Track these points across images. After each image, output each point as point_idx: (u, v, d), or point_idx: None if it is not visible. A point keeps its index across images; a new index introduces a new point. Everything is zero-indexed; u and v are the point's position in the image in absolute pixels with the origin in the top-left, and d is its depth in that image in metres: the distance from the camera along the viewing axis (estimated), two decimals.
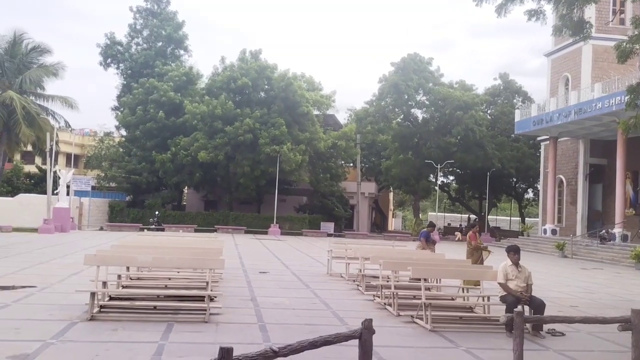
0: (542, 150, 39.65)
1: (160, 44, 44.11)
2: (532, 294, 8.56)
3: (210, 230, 35.76)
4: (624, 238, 27.49)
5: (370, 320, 4.20)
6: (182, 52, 45.59)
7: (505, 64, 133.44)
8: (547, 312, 8.40)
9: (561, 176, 36.01)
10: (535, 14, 12.25)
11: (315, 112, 40.74)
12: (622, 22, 34.48)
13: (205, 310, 8.39)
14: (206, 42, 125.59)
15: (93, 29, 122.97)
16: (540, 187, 40.79)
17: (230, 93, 38.93)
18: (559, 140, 34.88)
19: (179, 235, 20.58)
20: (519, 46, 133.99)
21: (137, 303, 8.87)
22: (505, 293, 8.38)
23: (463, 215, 62.08)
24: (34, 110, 38.22)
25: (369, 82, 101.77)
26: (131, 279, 11.01)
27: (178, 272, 11.50)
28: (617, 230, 27.88)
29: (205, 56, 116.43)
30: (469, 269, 9.89)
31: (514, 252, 8.55)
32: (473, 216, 56.36)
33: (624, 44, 11.46)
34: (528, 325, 8.21)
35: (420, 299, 9.60)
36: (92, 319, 8.02)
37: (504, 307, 8.63)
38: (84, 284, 10.12)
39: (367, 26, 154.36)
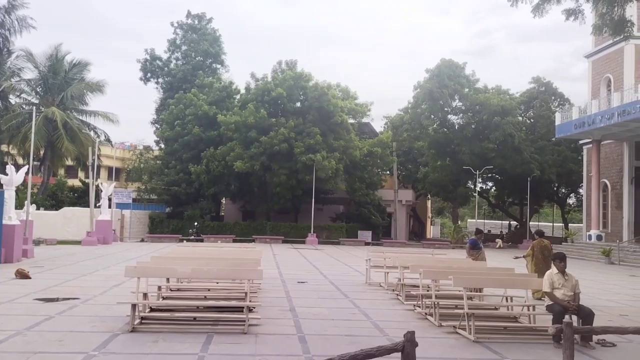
0: (584, 154, 38.52)
1: (198, 58, 44.95)
2: (580, 302, 8.23)
3: (248, 240, 35.95)
4: None
5: (413, 332, 4.07)
6: (218, 66, 46.36)
7: (548, 69, 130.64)
8: (597, 322, 8.06)
9: (605, 180, 34.87)
10: (573, 13, 11.92)
11: (351, 121, 40.69)
12: None
13: (245, 321, 8.38)
14: (242, 53, 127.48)
15: (134, 45, 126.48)
16: (583, 191, 39.58)
17: (265, 104, 39.29)
18: (602, 143, 33.81)
19: (217, 246, 20.74)
20: (564, 51, 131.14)
21: (177, 314, 8.94)
22: (551, 302, 8.08)
23: (503, 221, 60.75)
24: (76, 126, 39.38)
25: (407, 90, 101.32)
26: (171, 290, 11.14)
27: (217, 282, 11.55)
28: None
29: (241, 67, 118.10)
30: (512, 278, 9.59)
31: (559, 260, 8.25)
32: (514, 223, 55.11)
33: None
34: (577, 336, 7.90)
35: (462, 308, 9.39)
36: (133, 330, 8.11)
37: (549, 316, 8.33)
38: (126, 296, 10.27)
39: (405, 34, 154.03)
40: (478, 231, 13.92)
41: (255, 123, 37.44)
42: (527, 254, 12.81)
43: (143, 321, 8.63)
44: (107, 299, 10.97)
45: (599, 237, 32.73)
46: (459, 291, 11.38)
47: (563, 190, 52.12)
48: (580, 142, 38.49)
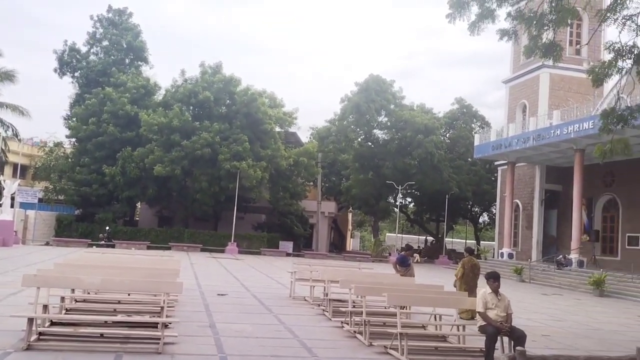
0: (499, 174, 40.13)
1: (119, 54, 42.83)
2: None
3: (163, 247, 34.37)
4: (580, 264, 27.80)
5: None
6: (141, 63, 44.37)
7: (466, 95, 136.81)
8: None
9: (517, 201, 36.42)
10: (507, 34, 12.06)
11: (277, 129, 40.16)
12: (577, 52, 35.54)
13: (159, 338, 7.56)
14: (167, 56, 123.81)
15: (52, 37, 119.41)
16: (497, 211, 41.18)
17: (190, 106, 37.95)
18: (516, 165, 35.29)
19: (131, 253, 19.39)
20: (481, 78, 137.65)
21: (82, 330, 7.95)
22: (484, 323, 7.88)
23: (420, 237, 62.32)
24: None
25: (332, 103, 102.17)
26: (76, 301, 10.02)
27: (128, 294, 10.56)
28: (573, 256, 28.18)
29: (166, 69, 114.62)
30: (445, 297, 9.38)
31: (494, 279, 8.09)
32: (430, 238, 56.65)
33: (597, 69, 11.37)
34: (504, 356, 7.76)
35: (390, 326, 9.05)
36: (28, 348, 7.07)
37: (479, 336, 8.16)
38: (22, 307, 9.10)
39: (332, 49, 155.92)
40: (408, 247, 13.73)
41: (180, 126, 36.03)
42: (458, 271, 12.75)
43: (41, 337, 7.60)
44: (1, 310, 9.69)
45: (510, 256, 34.04)
46: (386, 308, 11.12)
47: (476, 209, 54.20)
48: (496, 163, 40.11)
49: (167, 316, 8.33)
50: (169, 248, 34.43)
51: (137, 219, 45.23)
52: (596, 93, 31.81)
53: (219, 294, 13.78)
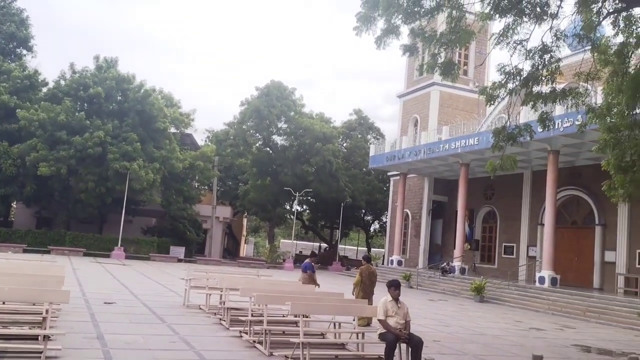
0: (391, 184, 41.71)
1: (0, 40, 39.18)
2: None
3: (42, 251, 31.84)
4: (462, 271, 29.55)
5: None
6: (25, 51, 40.90)
7: (363, 107, 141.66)
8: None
9: (407, 210, 38.05)
10: (409, 50, 12.52)
11: (173, 130, 38.79)
12: (465, 72, 37.94)
13: (41, 352, 6.89)
14: (54, 48, 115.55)
15: None
16: (388, 219, 42.73)
17: (78, 101, 35.54)
18: (408, 176, 36.86)
19: (6, 257, 17.65)
20: (377, 92, 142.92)
21: None
22: (384, 330, 8.02)
23: (314, 243, 63.12)
24: None
25: (230, 106, 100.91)
26: None
27: (3, 302, 9.55)
28: (456, 264, 29.89)
29: (53, 64, 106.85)
30: (349, 305, 9.45)
31: (395, 288, 8.26)
32: (324, 245, 57.55)
33: (488, 89, 12.12)
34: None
35: (290, 334, 8.98)
36: None
37: (378, 343, 8.29)
38: None
39: (233, 53, 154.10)
40: (312, 254, 13.81)
41: (66, 122, 33.58)
42: (357, 280, 12.94)
43: None
44: None
45: (399, 262, 35.43)
46: (284, 316, 11.04)
47: (369, 217, 55.97)
48: (389, 173, 41.66)
49: (49, 327, 7.61)
50: (48, 252, 31.98)
51: (12, 219, 41.56)
52: (481, 112, 34.22)
53: (106, 303, 12.91)
